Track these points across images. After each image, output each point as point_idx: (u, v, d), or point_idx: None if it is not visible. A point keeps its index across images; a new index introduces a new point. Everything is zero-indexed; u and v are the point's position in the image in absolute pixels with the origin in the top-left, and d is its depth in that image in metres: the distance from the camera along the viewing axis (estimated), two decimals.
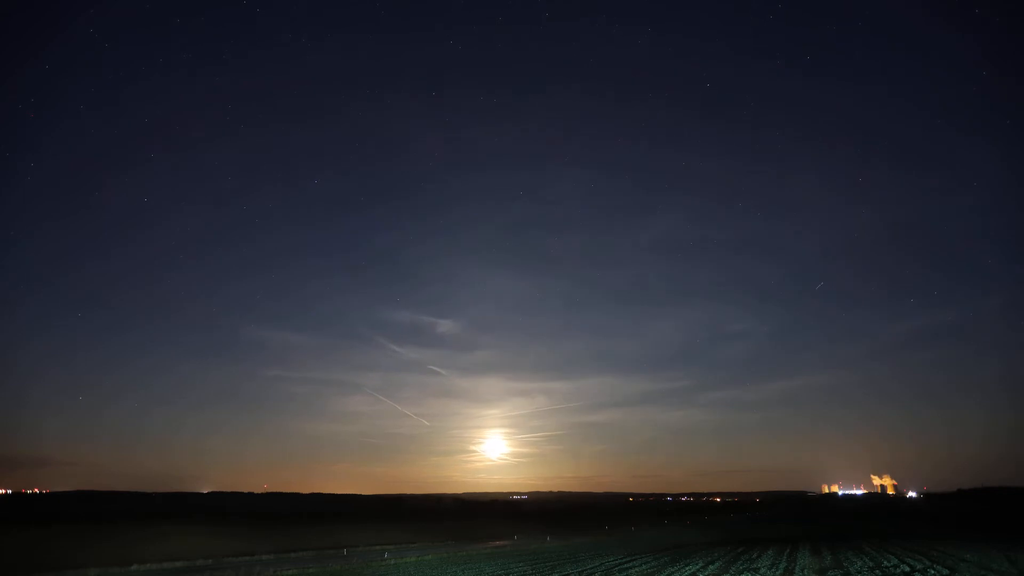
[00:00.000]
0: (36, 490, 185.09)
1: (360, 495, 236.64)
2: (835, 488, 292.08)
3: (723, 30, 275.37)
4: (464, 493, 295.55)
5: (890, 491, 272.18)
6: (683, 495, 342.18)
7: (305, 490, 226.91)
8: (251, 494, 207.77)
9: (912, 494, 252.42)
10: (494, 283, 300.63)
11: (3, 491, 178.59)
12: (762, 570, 33.21)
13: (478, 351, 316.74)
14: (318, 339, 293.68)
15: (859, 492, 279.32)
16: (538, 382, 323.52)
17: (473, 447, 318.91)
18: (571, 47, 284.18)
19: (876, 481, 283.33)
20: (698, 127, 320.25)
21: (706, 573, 33.02)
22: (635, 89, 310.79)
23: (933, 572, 29.70)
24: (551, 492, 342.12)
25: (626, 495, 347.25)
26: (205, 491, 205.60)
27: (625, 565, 38.27)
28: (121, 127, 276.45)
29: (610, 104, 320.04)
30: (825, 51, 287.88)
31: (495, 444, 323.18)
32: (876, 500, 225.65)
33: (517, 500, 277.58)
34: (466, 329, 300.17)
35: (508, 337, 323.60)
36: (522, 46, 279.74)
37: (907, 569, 31.04)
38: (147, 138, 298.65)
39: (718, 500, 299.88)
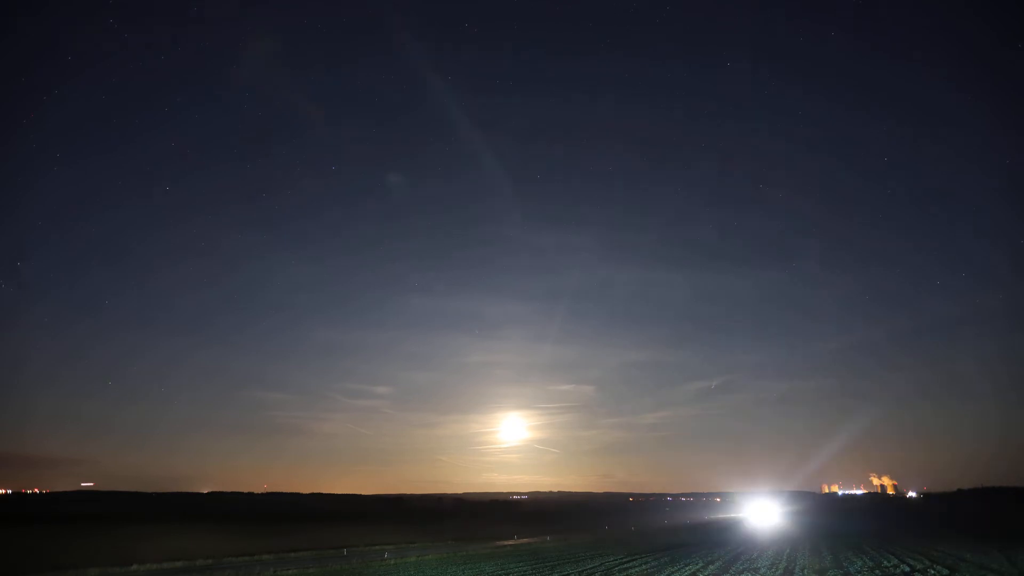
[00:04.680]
0: (36, 490, 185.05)
1: (360, 495, 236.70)
2: (835, 488, 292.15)
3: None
4: (464, 493, 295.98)
5: (890, 491, 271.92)
6: (683, 495, 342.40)
7: (305, 490, 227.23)
8: (251, 494, 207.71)
9: (912, 494, 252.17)
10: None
11: (3, 491, 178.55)
12: (762, 570, 33.21)
13: (411, 401, 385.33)
14: (296, 395, 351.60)
15: (859, 492, 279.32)
16: (465, 414, 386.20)
17: (442, 456, 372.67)
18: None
19: (876, 481, 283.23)
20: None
21: (706, 573, 33.03)
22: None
23: (933, 572, 29.71)
24: (551, 492, 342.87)
25: (626, 495, 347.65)
26: (205, 491, 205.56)
27: (625, 564, 38.27)
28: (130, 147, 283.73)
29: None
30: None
31: (466, 454, 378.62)
32: (876, 500, 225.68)
33: (517, 500, 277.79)
34: (397, 390, 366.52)
35: (427, 397, 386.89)
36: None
37: (907, 569, 31.05)
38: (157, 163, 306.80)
39: (718, 500, 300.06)
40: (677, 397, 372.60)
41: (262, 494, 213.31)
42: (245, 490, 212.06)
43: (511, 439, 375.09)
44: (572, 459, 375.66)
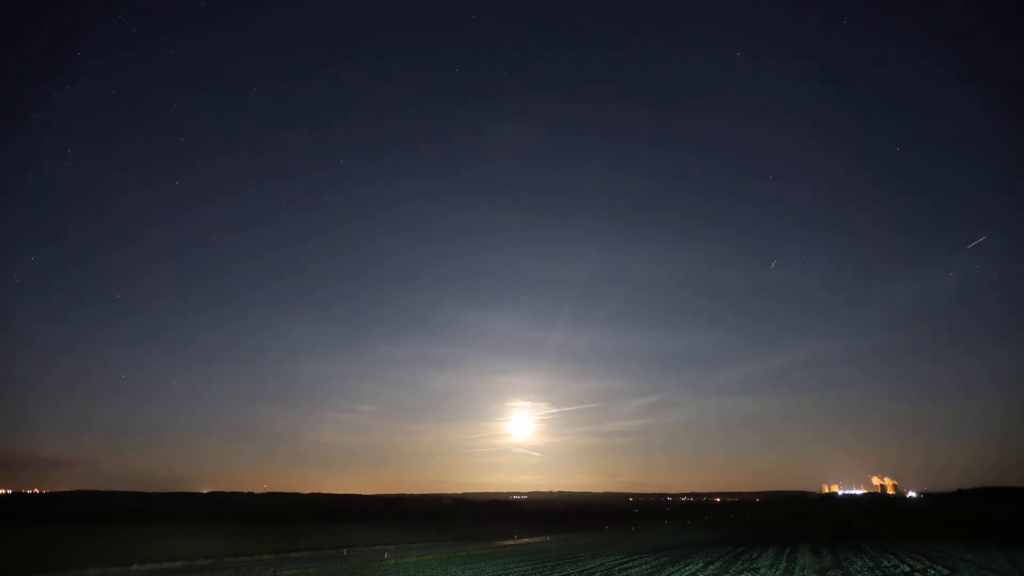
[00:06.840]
0: (36, 490, 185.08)
1: (360, 495, 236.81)
2: (835, 488, 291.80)
3: None
4: (464, 493, 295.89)
5: (890, 491, 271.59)
6: (683, 495, 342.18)
7: (305, 490, 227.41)
8: (251, 494, 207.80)
9: (912, 494, 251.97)
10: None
11: (3, 491, 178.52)
12: (762, 570, 33.19)
13: (394, 414, 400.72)
14: (291, 408, 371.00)
15: (859, 492, 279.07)
16: (461, 422, 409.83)
17: (431, 459, 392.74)
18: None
19: (876, 481, 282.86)
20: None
21: (706, 573, 33.01)
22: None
23: (933, 572, 29.68)
24: (551, 492, 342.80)
25: (626, 495, 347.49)
26: (205, 491, 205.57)
27: (625, 565, 38.25)
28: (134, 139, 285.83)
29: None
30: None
31: (458, 457, 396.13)
32: (876, 500, 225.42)
33: (517, 500, 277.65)
34: (381, 407, 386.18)
35: (408, 411, 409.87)
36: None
37: (907, 569, 31.03)
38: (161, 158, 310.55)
39: (718, 500, 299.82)
40: (635, 410, 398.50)
41: (262, 494, 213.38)
42: (245, 490, 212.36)
43: (496, 444, 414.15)
44: (557, 462, 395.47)
